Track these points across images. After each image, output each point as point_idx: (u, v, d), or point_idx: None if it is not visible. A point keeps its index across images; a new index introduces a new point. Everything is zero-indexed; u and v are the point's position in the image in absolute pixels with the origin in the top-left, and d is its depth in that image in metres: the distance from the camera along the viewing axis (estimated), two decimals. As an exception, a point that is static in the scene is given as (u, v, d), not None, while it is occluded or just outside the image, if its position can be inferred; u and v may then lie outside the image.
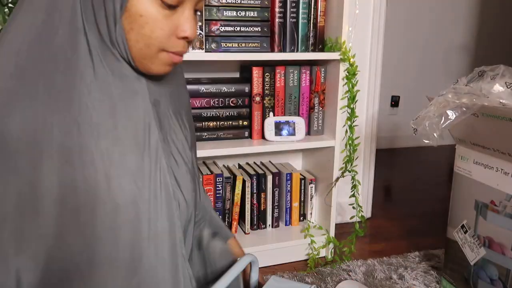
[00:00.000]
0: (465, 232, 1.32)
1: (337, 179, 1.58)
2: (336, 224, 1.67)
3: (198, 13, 0.64)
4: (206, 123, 1.48)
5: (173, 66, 0.65)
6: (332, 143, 1.57)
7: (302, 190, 1.69)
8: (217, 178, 1.55)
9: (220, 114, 1.49)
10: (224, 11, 1.40)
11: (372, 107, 1.94)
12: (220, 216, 1.56)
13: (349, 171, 1.57)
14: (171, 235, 0.64)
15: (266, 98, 1.53)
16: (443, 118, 1.16)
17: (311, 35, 1.53)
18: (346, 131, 1.56)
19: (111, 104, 0.59)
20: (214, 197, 1.55)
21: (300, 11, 1.49)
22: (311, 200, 1.70)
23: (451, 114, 1.16)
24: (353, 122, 1.56)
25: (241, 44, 1.44)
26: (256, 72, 1.50)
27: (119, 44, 0.59)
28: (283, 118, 1.54)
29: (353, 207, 1.61)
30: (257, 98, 1.52)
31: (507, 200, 1.17)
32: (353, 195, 1.60)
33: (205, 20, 1.38)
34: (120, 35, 0.58)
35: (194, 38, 0.63)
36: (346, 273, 1.53)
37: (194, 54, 1.38)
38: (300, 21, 1.50)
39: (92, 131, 0.57)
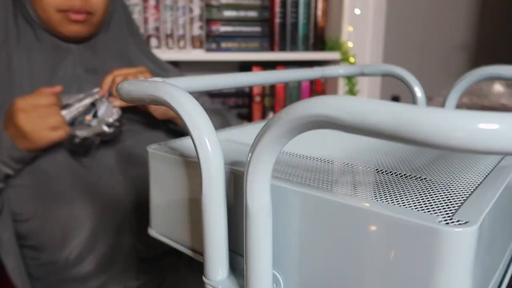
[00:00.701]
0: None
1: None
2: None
3: None
4: (206, 123, 1.48)
5: (81, 23, 0.69)
6: (332, 143, 1.56)
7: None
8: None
9: (220, 114, 1.49)
10: (224, 11, 1.40)
11: (372, 107, 1.94)
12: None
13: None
14: None
15: (266, 98, 1.53)
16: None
17: (311, 35, 1.53)
18: (346, 131, 1.56)
19: (42, 66, 0.70)
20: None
21: (300, 11, 1.49)
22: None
23: (452, 114, 1.16)
24: (353, 122, 1.56)
25: (241, 44, 1.43)
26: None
27: (33, 18, 0.68)
28: (283, 118, 1.54)
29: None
30: (257, 98, 1.52)
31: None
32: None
33: (205, 20, 1.38)
34: (30, 10, 0.68)
35: None
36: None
37: (194, 54, 1.38)
38: (301, 21, 1.50)
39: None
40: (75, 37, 0.71)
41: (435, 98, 1.23)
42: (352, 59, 1.49)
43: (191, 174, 0.38)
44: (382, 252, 0.25)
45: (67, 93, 0.69)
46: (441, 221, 0.23)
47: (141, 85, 0.39)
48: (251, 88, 1.51)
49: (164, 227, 0.43)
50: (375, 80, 1.91)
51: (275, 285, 0.32)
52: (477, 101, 1.16)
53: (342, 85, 1.53)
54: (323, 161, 0.38)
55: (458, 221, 0.23)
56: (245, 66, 1.59)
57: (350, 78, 1.51)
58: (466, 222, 0.23)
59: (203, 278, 0.34)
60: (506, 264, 0.34)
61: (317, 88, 1.58)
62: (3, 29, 0.69)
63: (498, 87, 1.19)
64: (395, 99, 2.71)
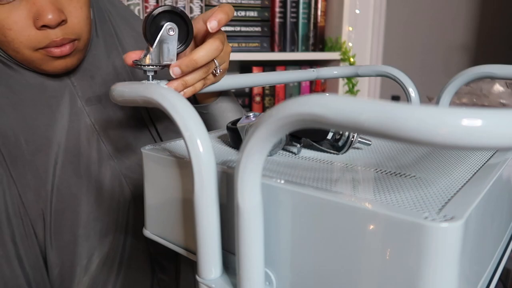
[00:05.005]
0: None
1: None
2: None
3: None
4: (206, 123, 1.48)
5: (68, 56, 0.56)
6: (332, 143, 1.56)
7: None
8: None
9: (220, 114, 1.49)
10: (224, 11, 1.40)
11: (373, 107, 1.94)
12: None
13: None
14: None
15: (266, 98, 1.53)
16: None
17: (311, 35, 1.53)
18: (346, 131, 1.56)
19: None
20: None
21: (300, 11, 1.49)
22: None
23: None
24: (353, 122, 1.56)
25: (241, 44, 1.43)
26: (256, 72, 1.50)
27: (7, 58, 0.56)
28: (283, 118, 1.54)
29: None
30: (257, 98, 1.52)
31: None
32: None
33: (205, 20, 1.38)
34: (1, 52, 0.55)
35: (59, 21, 0.51)
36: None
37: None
38: (301, 21, 1.50)
39: None
40: (64, 70, 0.58)
41: (435, 98, 1.23)
42: (352, 59, 1.49)
43: (184, 174, 0.38)
44: (370, 248, 0.25)
45: (75, 143, 0.59)
46: (427, 217, 0.23)
47: (134, 87, 0.39)
48: (251, 88, 1.51)
49: (158, 227, 0.44)
50: (375, 80, 1.91)
51: (267, 283, 0.32)
52: (477, 101, 1.16)
53: (342, 85, 1.52)
54: (311, 159, 0.38)
55: (444, 216, 0.23)
56: (245, 66, 1.60)
57: (349, 78, 1.51)
58: (451, 218, 0.23)
59: (197, 277, 0.34)
60: (499, 257, 0.35)
61: (317, 88, 1.58)
62: None
63: (498, 87, 1.19)
64: (395, 99, 2.71)
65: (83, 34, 0.57)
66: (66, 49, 0.54)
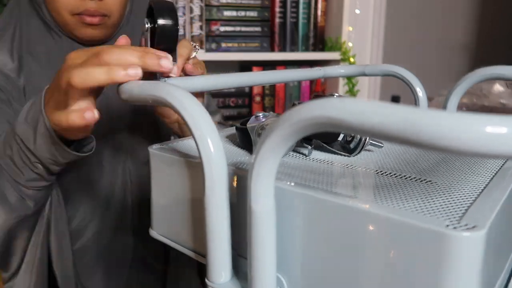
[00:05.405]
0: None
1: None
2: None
3: None
4: (206, 123, 1.48)
5: (96, 27, 0.66)
6: (332, 143, 1.56)
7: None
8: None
9: (220, 114, 1.49)
10: (224, 11, 1.40)
11: (372, 107, 1.94)
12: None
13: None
14: None
15: (266, 98, 1.53)
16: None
17: (311, 35, 1.52)
18: (346, 131, 1.56)
19: None
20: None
21: (300, 11, 1.49)
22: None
23: (452, 115, 1.16)
24: (353, 122, 1.56)
25: (241, 44, 1.43)
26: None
27: (50, 20, 0.67)
28: (283, 118, 1.53)
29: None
30: (257, 98, 1.52)
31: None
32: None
33: (205, 20, 1.38)
34: (46, 12, 0.66)
35: None
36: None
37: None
38: (301, 21, 1.50)
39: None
40: (90, 40, 0.68)
41: (435, 98, 1.23)
42: (352, 59, 1.49)
43: (194, 175, 0.38)
44: (388, 256, 0.25)
45: None
46: (448, 225, 0.23)
47: (143, 86, 0.38)
48: (251, 88, 1.51)
49: (165, 228, 0.43)
50: (375, 80, 1.91)
51: (278, 287, 0.31)
52: (477, 101, 1.17)
53: (342, 85, 1.52)
54: (322, 161, 0.38)
55: (466, 225, 0.23)
56: (245, 66, 1.59)
57: (350, 78, 1.51)
58: (474, 226, 0.22)
59: (206, 280, 0.34)
60: None
61: (317, 88, 1.58)
62: (17, 32, 0.67)
63: (498, 87, 1.19)
64: (395, 99, 2.71)
65: (114, 14, 0.67)
66: (96, 19, 0.65)
